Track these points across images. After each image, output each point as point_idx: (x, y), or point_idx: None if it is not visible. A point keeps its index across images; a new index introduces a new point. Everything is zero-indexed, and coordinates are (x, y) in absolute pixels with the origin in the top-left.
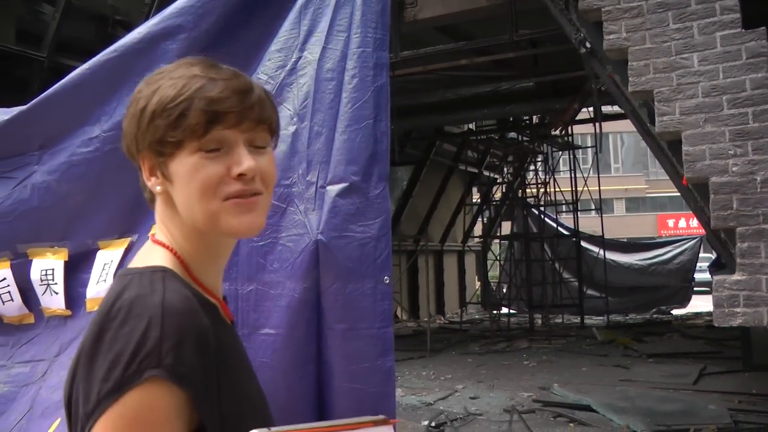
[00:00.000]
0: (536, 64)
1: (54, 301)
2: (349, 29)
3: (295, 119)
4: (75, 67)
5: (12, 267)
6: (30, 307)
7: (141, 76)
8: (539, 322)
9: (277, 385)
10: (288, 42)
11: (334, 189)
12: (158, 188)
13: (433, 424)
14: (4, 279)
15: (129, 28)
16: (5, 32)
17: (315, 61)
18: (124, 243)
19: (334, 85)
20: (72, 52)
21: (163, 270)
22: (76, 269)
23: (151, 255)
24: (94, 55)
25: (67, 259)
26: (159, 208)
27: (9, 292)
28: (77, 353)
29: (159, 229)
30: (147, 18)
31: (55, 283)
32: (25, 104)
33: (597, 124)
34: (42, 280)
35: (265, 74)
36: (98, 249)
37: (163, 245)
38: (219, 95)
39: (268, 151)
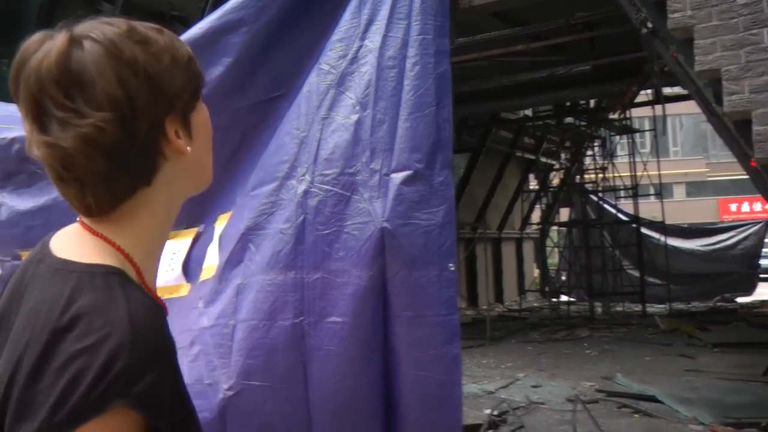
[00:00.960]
0: (593, 47)
1: None
2: (409, 17)
3: (357, 107)
4: None
5: None
6: None
7: (205, 70)
8: (599, 310)
9: (344, 373)
10: (349, 31)
11: (398, 176)
12: (189, 149)
13: (495, 412)
14: None
15: (186, 23)
16: None
17: (376, 49)
18: (191, 233)
19: (396, 73)
20: None
21: (117, 273)
22: None
23: (94, 249)
24: None
25: None
26: (157, 188)
27: None
28: (9, 365)
29: (119, 224)
30: (203, 13)
31: None
32: None
33: (658, 107)
34: None
35: (327, 64)
36: (167, 239)
37: (111, 243)
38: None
39: None
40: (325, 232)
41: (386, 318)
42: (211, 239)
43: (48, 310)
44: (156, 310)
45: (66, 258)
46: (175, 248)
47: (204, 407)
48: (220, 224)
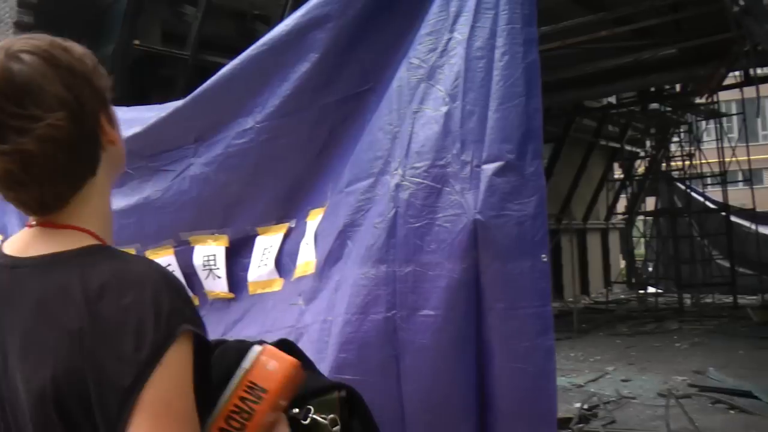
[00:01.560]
0: (678, 29)
1: (217, 285)
2: (497, 6)
3: (447, 99)
4: (218, 64)
5: (176, 254)
6: (194, 290)
7: (292, 66)
8: (689, 302)
9: (437, 366)
10: (437, 24)
11: (489, 168)
12: (118, 138)
13: (585, 406)
14: (169, 265)
15: (267, 22)
16: (152, 34)
17: (464, 40)
18: (282, 228)
19: (485, 64)
20: (214, 49)
21: (106, 246)
22: (237, 254)
23: (66, 239)
24: (236, 51)
25: (227, 245)
26: (99, 177)
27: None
28: (41, 344)
29: (79, 212)
30: (284, 11)
31: (218, 268)
32: (173, 101)
33: (747, 89)
34: (204, 266)
35: (417, 58)
36: (257, 234)
37: (78, 228)
38: None
39: None
40: (417, 224)
41: (479, 310)
42: (303, 234)
43: (65, 295)
44: None
45: (51, 252)
46: (267, 243)
47: None
48: (312, 219)
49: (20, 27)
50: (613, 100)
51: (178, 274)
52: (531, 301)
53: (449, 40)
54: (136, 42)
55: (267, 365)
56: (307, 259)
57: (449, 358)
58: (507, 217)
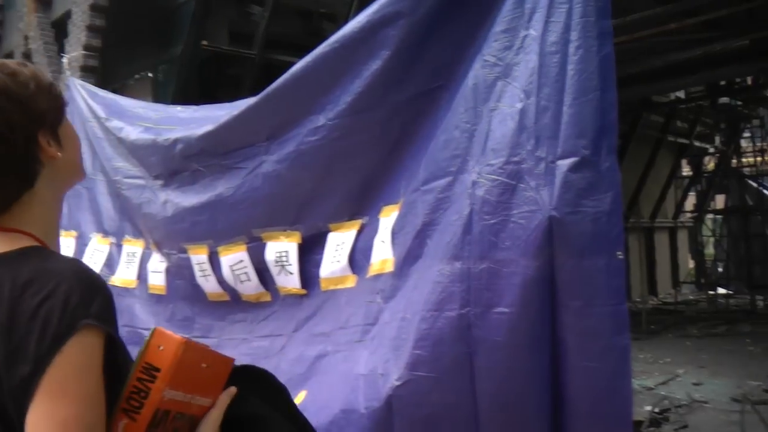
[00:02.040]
0: (751, 19)
1: (289, 281)
2: (571, 0)
3: (522, 96)
4: (284, 62)
5: (248, 250)
6: (266, 286)
7: (363, 64)
8: (761, 303)
9: (511, 364)
10: (513, 22)
11: (564, 163)
12: (60, 154)
13: (656, 409)
14: (241, 261)
15: (333, 20)
16: (219, 34)
17: (539, 36)
18: (355, 225)
19: (559, 58)
20: (281, 48)
21: (40, 247)
22: (309, 251)
23: (10, 241)
24: (302, 49)
25: (300, 241)
26: (41, 188)
27: (246, 272)
28: None
29: (23, 217)
30: (350, 9)
31: (290, 264)
32: (241, 100)
33: None
34: (277, 262)
35: (492, 56)
36: (330, 231)
37: (21, 231)
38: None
39: None
40: (492, 221)
41: (554, 308)
42: (376, 231)
43: (0, 288)
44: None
45: None
46: (339, 240)
47: (373, 396)
48: (386, 216)
49: (92, 30)
50: (681, 94)
51: (250, 270)
52: (606, 299)
53: (525, 37)
54: (204, 43)
55: (159, 347)
56: (383, 257)
57: (523, 356)
58: (582, 214)
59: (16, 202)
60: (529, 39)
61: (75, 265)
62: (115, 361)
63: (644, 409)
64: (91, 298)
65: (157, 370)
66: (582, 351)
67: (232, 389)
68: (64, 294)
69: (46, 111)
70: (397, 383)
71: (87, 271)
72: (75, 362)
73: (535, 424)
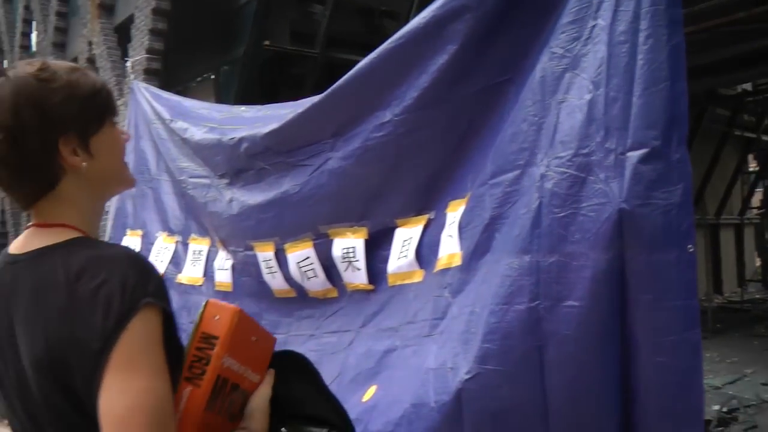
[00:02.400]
0: None
1: (356, 277)
2: None
3: (590, 87)
4: (346, 61)
5: (315, 246)
6: (333, 282)
7: (430, 58)
8: None
9: (581, 358)
10: (581, 13)
11: (634, 155)
12: (84, 164)
13: (724, 409)
14: (308, 258)
15: (395, 18)
16: (281, 34)
17: (607, 26)
18: (422, 220)
19: (628, 48)
20: (342, 47)
21: (87, 236)
22: (376, 246)
23: (55, 235)
24: (364, 47)
25: (367, 237)
26: (70, 189)
27: (313, 269)
28: (35, 321)
29: (63, 212)
30: (412, 6)
31: (357, 260)
32: (303, 99)
33: None
34: (344, 258)
35: (560, 48)
36: (396, 227)
37: (63, 225)
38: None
39: None
40: (561, 214)
41: (624, 302)
42: (443, 226)
43: (52, 279)
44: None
45: (40, 246)
46: (406, 235)
47: (443, 390)
48: (453, 211)
49: (155, 33)
50: (749, 87)
51: (317, 266)
52: (678, 293)
53: (593, 27)
54: (267, 43)
55: (214, 317)
56: (451, 251)
57: (593, 351)
58: (653, 206)
59: (45, 200)
60: (597, 29)
61: (126, 250)
62: (172, 337)
63: (712, 409)
64: (146, 279)
65: (215, 338)
66: (653, 346)
67: (272, 371)
68: (121, 277)
69: (73, 119)
70: (467, 377)
71: (137, 256)
72: (140, 338)
73: (605, 419)
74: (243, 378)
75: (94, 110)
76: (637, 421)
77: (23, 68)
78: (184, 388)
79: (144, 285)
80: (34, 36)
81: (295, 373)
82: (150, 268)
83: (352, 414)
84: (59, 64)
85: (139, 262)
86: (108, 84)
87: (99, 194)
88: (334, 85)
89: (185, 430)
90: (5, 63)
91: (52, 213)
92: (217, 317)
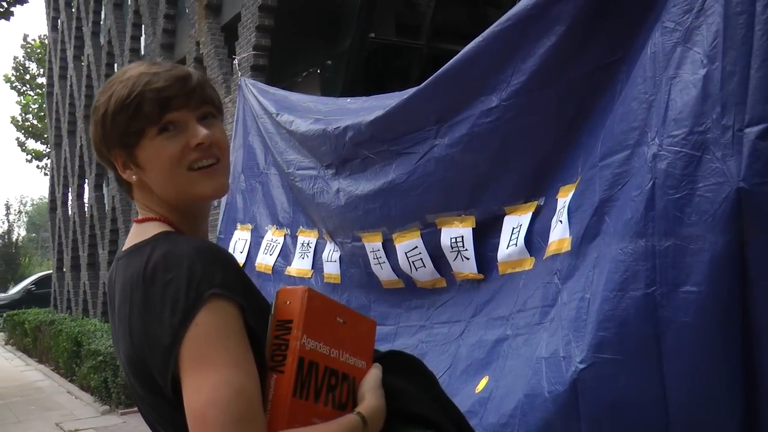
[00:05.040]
0: None
1: (465, 266)
2: None
3: (705, 61)
4: (451, 51)
5: (422, 236)
6: (441, 272)
7: (537, 41)
8: None
9: (701, 345)
10: None
11: (753, 131)
12: (134, 178)
13: None
14: (416, 248)
15: (499, 6)
16: (386, 26)
17: None
18: (531, 207)
19: (745, 19)
20: (447, 37)
21: (166, 232)
22: (485, 235)
23: (146, 231)
24: (469, 38)
25: (474, 225)
26: (137, 196)
27: (421, 258)
28: (125, 318)
29: (143, 213)
30: None
31: (465, 249)
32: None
33: None
34: (452, 247)
35: (672, 21)
36: (505, 214)
37: (153, 219)
38: (164, 84)
39: (217, 123)
40: (676, 196)
41: (745, 287)
42: (553, 212)
43: (134, 277)
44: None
45: (135, 243)
46: (515, 223)
47: (557, 380)
48: (563, 196)
49: (261, 30)
50: None
51: (425, 256)
52: None
53: None
54: (372, 35)
55: (286, 302)
56: (561, 237)
57: (714, 338)
58: None
59: (137, 197)
60: (710, 0)
61: (197, 243)
62: (252, 327)
63: None
64: (213, 270)
65: (289, 321)
66: None
67: (378, 365)
68: (187, 270)
69: (119, 134)
70: (582, 366)
71: (208, 248)
72: (210, 330)
73: (727, 409)
74: (340, 363)
75: (122, 126)
76: (762, 411)
77: (106, 88)
78: (271, 377)
79: (210, 277)
80: (142, 39)
81: (407, 375)
82: (219, 260)
83: (466, 406)
84: (110, 84)
85: (207, 255)
86: (146, 94)
87: (173, 203)
88: (438, 72)
89: (275, 419)
90: (116, 67)
91: (144, 208)
92: (288, 302)
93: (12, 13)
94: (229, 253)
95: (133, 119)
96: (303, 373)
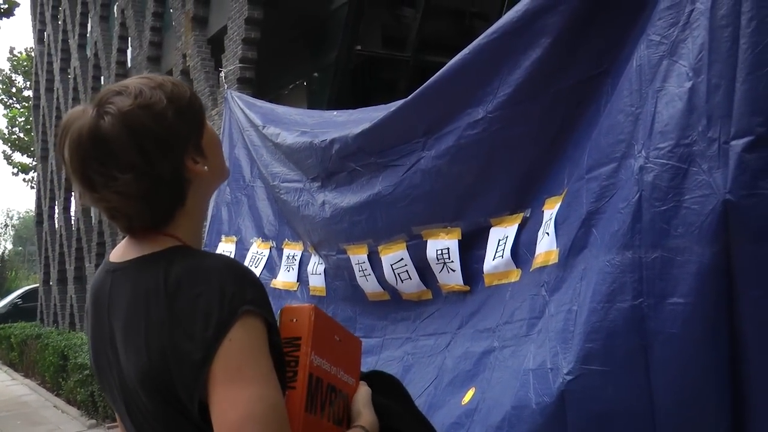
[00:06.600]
0: None
1: (451, 278)
2: None
3: (690, 74)
4: (438, 64)
5: (408, 248)
6: (427, 284)
7: (523, 53)
8: None
9: (687, 357)
10: None
11: (738, 143)
12: (205, 168)
13: None
14: (402, 259)
15: (486, 19)
16: (372, 39)
17: (707, 10)
18: (517, 219)
19: (730, 32)
20: (434, 49)
21: (186, 245)
22: (471, 246)
23: (152, 243)
24: (456, 50)
25: (460, 237)
26: (191, 199)
27: (407, 270)
28: (138, 333)
29: (180, 224)
30: (503, 6)
31: (451, 261)
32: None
33: None
34: (438, 259)
35: (657, 35)
36: (491, 226)
37: (166, 234)
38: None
39: None
40: (663, 208)
41: (732, 298)
42: (540, 224)
43: (152, 289)
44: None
45: (140, 255)
46: (501, 234)
47: (544, 392)
48: (549, 208)
49: (248, 42)
50: None
51: (411, 268)
52: None
53: (691, 11)
54: (359, 48)
55: (292, 320)
56: (548, 249)
57: (701, 349)
58: (759, 196)
59: (166, 222)
60: (696, 13)
61: (224, 259)
62: (276, 344)
63: None
64: (244, 287)
65: (298, 338)
66: (762, 343)
67: (364, 382)
68: (219, 286)
69: (188, 133)
70: (569, 378)
71: (236, 264)
72: (243, 346)
73: (715, 421)
74: (337, 379)
75: (196, 116)
76: (748, 422)
77: (118, 101)
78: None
79: (242, 293)
80: (129, 52)
81: (387, 393)
82: (249, 276)
83: (452, 417)
84: (140, 83)
85: (237, 271)
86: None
87: (209, 195)
88: (425, 84)
89: None
90: (102, 80)
91: (169, 226)
92: (294, 320)
93: None
94: (253, 271)
95: (200, 108)
96: (312, 389)
